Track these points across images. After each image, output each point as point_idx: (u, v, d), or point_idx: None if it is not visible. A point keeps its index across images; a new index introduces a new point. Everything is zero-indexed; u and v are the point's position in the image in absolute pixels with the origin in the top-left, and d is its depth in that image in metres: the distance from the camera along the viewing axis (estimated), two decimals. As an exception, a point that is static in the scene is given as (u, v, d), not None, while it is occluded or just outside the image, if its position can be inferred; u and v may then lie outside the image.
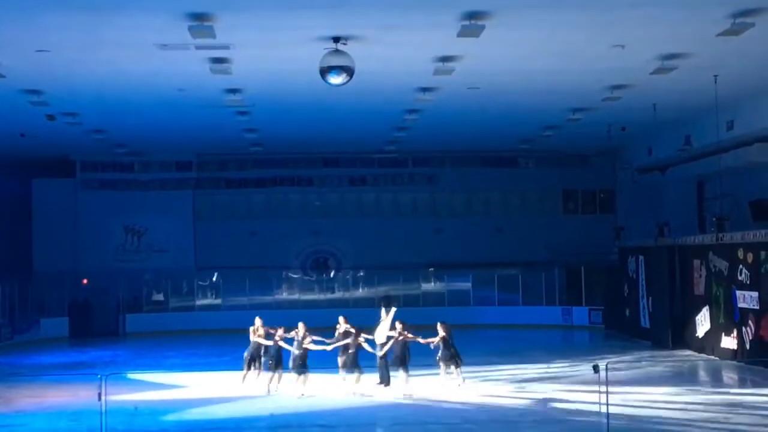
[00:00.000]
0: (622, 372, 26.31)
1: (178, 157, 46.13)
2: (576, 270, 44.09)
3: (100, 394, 16.03)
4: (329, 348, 23.92)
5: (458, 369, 24.20)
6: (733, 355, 28.90)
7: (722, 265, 29.75)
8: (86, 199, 46.17)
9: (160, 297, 45.16)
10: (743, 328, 28.29)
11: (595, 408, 18.82)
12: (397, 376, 23.07)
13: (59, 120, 31.56)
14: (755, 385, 24.85)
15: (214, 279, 46.01)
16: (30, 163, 44.63)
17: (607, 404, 16.20)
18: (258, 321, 24.91)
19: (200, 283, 45.71)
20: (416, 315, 42.01)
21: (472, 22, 19.81)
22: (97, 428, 16.65)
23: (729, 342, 29.28)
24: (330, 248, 47.76)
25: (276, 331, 23.90)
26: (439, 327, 24.10)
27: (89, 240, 45.69)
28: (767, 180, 31.55)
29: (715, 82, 26.29)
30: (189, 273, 45.56)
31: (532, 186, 47.53)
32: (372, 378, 23.58)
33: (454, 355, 24.13)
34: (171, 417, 20.90)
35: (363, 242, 46.57)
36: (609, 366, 16.55)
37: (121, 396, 21.79)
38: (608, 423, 15.85)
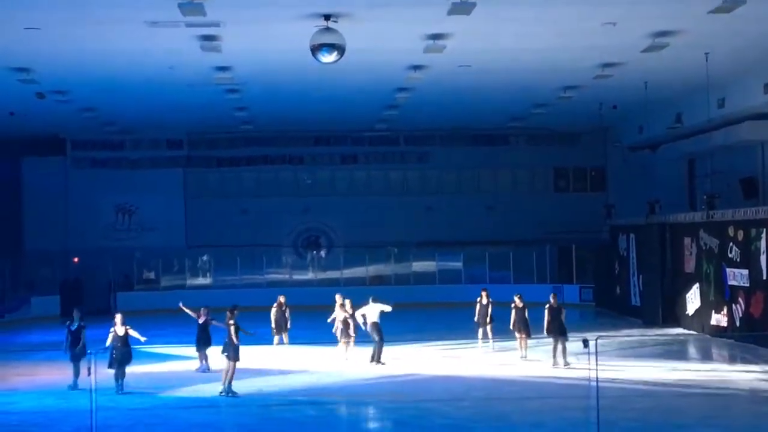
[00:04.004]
0: (613, 348, 26.45)
1: (168, 135, 46.02)
2: (567, 248, 44.15)
3: (89, 369, 16.06)
4: None
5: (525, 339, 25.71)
6: (723, 332, 29.01)
7: (713, 242, 29.83)
8: (77, 178, 46.07)
9: (151, 275, 45.18)
10: (733, 306, 28.40)
11: (584, 382, 18.95)
12: None
13: (49, 98, 31.44)
14: (745, 361, 24.96)
15: (205, 258, 45.97)
16: (20, 142, 44.46)
17: (597, 379, 16.26)
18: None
19: (191, 261, 45.65)
20: (407, 293, 42.47)
21: (463, -1, 19.78)
22: (87, 406, 16.68)
23: (719, 319, 29.40)
24: (321, 226, 47.75)
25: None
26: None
27: (80, 218, 45.62)
28: (757, 158, 31.61)
29: (707, 60, 26.27)
30: (180, 251, 45.54)
31: (523, 164, 47.51)
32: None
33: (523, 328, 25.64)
34: (163, 393, 20.96)
35: (354, 220, 46.55)
36: (599, 342, 16.61)
37: (111, 371, 21.81)
38: (597, 397, 15.91)
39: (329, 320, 26.25)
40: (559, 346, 24.01)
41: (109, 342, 21.26)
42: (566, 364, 23.66)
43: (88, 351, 17.27)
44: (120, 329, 21.31)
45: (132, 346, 21.73)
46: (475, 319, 27.77)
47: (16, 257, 42.97)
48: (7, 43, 23.68)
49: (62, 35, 23.12)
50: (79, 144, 46.14)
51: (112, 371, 20.98)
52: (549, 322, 24.10)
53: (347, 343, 25.52)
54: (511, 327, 26.06)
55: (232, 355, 20.65)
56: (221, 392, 20.45)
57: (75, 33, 22.93)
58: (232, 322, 20.97)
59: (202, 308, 24.37)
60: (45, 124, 39.97)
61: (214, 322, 23.73)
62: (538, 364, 24.47)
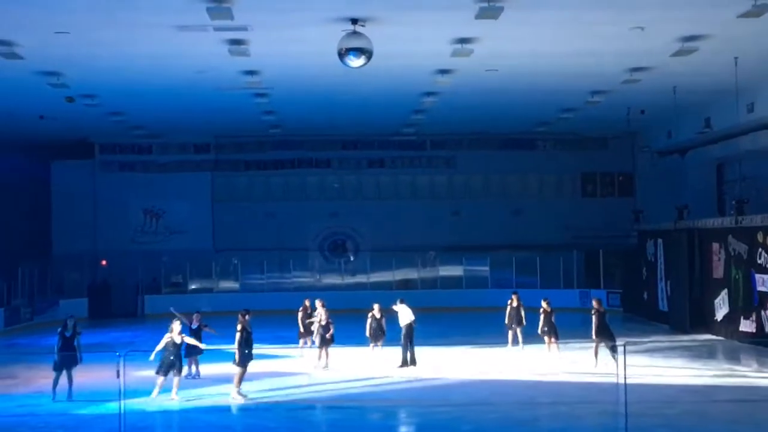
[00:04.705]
0: (641, 353, 26.31)
1: (196, 139, 46.20)
2: (594, 253, 43.97)
3: (118, 372, 16.14)
4: None
5: (556, 344, 26.44)
6: (751, 338, 28.81)
7: (741, 248, 29.64)
8: (105, 181, 46.35)
9: (178, 278, 45.35)
10: (762, 312, 28.19)
11: (612, 388, 18.90)
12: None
13: (78, 102, 31.64)
14: (774, 368, 24.80)
15: (235, 261, 45.98)
16: (49, 146, 44.79)
17: (625, 385, 16.20)
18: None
19: (218, 264, 45.74)
20: (433, 298, 42.47)
21: (491, 3, 19.73)
22: (114, 409, 16.76)
23: (747, 325, 29.19)
24: (348, 230, 47.80)
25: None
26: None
27: (108, 222, 45.89)
28: (787, 163, 31.43)
29: (736, 65, 26.13)
30: (207, 255, 45.66)
31: (550, 168, 47.39)
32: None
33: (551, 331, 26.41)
34: (192, 395, 21.00)
35: (380, 224, 46.59)
36: (627, 348, 16.55)
37: (140, 372, 21.88)
38: (626, 402, 15.86)
39: (307, 321, 26.29)
40: (604, 349, 24.26)
41: (160, 347, 20.76)
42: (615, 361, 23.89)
43: (117, 353, 17.25)
44: (177, 337, 20.77)
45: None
46: (506, 321, 27.94)
47: (45, 260, 43.27)
48: (38, 47, 23.83)
49: (91, 39, 23.26)
50: (107, 148, 46.42)
51: (153, 375, 20.75)
52: (597, 326, 24.41)
53: (325, 349, 24.97)
54: (539, 332, 26.21)
55: (238, 360, 20.57)
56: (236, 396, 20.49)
57: (104, 37, 23.07)
58: (239, 327, 20.92)
59: (195, 313, 23.96)
60: (74, 127, 40.23)
61: (206, 328, 23.48)
62: (566, 369, 24.37)
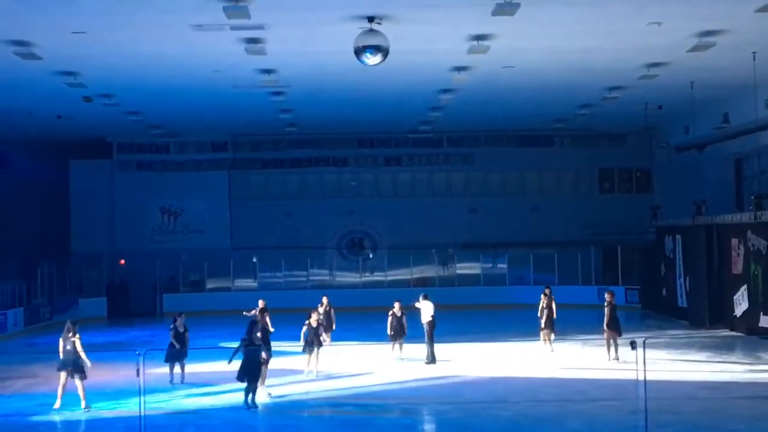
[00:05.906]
0: (660, 350, 26.23)
1: (213, 137, 46.33)
2: (612, 249, 43.92)
3: (138, 371, 16.17)
4: None
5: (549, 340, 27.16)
6: (771, 334, 28.73)
7: (760, 243, 29.50)
8: (123, 181, 46.53)
9: (196, 277, 45.47)
10: (782, 307, 28.08)
11: (630, 384, 18.84)
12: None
13: (96, 102, 31.82)
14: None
15: (253, 260, 46.03)
16: (67, 145, 44.98)
17: (645, 381, 16.14)
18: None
19: (236, 263, 45.81)
20: (451, 295, 42.44)
21: (507, 0, 19.71)
22: (135, 408, 16.79)
23: (767, 321, 29.05)
24: (365, 228, 47.83)
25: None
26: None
27: (126, 221, 46.07)
28: (806, 158, 31.26)
29: (754, 59, 26.06)
30: (225, 253, 45.75)
31: (567, 165, 47.31)
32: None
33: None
34: (209, 395, 21.04)
35: (398, 222, 46.61)
36: (647, 344, 16.49)
37: (159, 370, 21.92)
38: (646, 399, 15.80)
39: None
40: (614, 341, 24.69)
41: (237, 348, 19.98)
42: (617, 358, 24.41)
43: (136, 352, 17.25)
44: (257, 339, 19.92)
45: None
46: (538, 315, 28.09)
47: (64, 260, 43.47)
48: (55, 47, 23.95)
49: (108, 39, 23.37)
50: (125, 147, 46.58)
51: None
52: (611, 319, 24.83)
53: (317, 352, 23.30)
54: (543, 325, 27.16)
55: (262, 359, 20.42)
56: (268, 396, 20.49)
57: (121, 37, 23.16)
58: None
59: (178, 316, 22.86)
60: (92, 127, 40.40)
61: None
62: (586, 365, 24.36)
